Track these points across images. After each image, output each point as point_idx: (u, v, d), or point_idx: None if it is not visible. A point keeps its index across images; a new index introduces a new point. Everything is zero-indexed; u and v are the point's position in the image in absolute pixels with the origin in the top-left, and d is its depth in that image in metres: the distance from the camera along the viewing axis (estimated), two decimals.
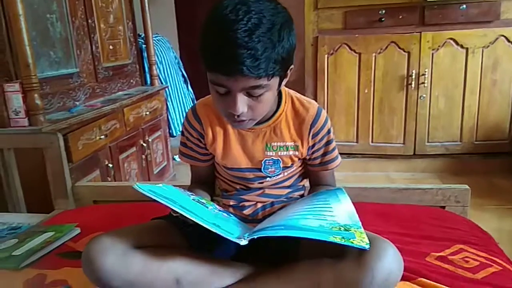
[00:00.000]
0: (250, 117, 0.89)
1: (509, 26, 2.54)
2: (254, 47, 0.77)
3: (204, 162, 1.11)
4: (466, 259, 1.01)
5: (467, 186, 1.34)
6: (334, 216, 0.84)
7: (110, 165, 1.99)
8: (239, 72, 0.79)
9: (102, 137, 1.94)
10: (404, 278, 0.85)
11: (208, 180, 1.16)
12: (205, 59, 0.83)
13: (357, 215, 0.85)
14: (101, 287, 0.87)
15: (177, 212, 0.82)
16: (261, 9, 0.80)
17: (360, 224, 0.82)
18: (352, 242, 0.75)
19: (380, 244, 0.80)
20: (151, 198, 0.81)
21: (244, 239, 0.80)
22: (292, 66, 0.91)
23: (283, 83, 0.93)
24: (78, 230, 1.27)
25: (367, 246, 0.75)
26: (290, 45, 0.85)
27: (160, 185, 0.92)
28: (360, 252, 0.79)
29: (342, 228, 0.79)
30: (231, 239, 0.81)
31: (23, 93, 1.56)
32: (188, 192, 0.99)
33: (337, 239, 0.76)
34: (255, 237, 0.81)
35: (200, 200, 0.96)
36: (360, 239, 0.76)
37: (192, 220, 0.81)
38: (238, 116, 0.87)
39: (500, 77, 2.61)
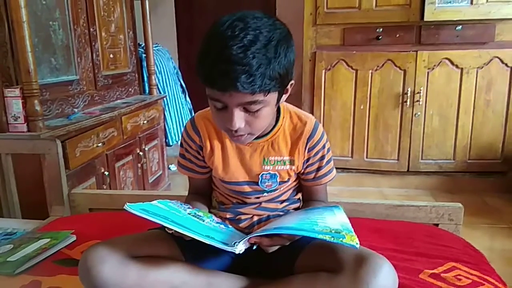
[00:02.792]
0: (248, 132, 0.90)
1: (503, 48, 2.59)
2: (248, 63, 0.78)
3: (202, 175, 1.12)
4: (459, 277, 1.03)
5: (460, 205, 1.36)
6: (326, 223, 0.86)
7: (106, 173, 2.00)
8: (233, 88, 0.79)
9: (100, 144, 1.94)
10: None
11: (206, 192, 1.16)
12: (201, 74, 0.84)
13: (350, 226, 0.85)
14: None
15: (171, 229, 0.83)
16: (258, 25, 0.81)
17: (352, 230, 0.82)
18: (342, 241, 0.76)
19: (376, 260, 0.81)
20: (143, 217, 0.82)
21: (237, 245, 0.82)
22: (292, 82, 0.92)
23: (283, 98, 0.94)
24: (74, 238, 1.27)
25: (357, 246, 0.76)
26: (288, 61, 0.85)
27: (155, 201, 0.93)
28: (356, 268, 0.80)
29: (333, 231, 0.81)
30: (226, 249, 0.82)
31: (23, 99, 1.57)
32: (185, 206, 1.00)
33: (327, 237, 0.77)
34: (252, 238, 0.84)
35: (197, 213, 0.97)
36: (350, 240, 0.77)
37: (186, 235, 0.82)
38: (236, 131, 0.88)
39: (494, 98, 2.66)
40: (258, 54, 0.79)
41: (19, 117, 1.58)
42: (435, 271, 1.05)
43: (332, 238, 0.77)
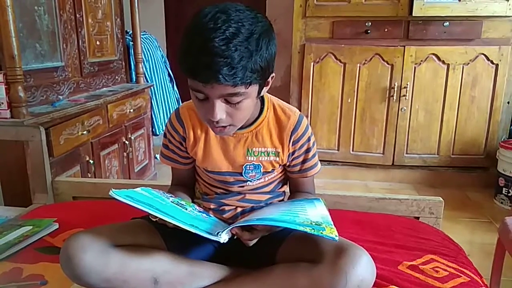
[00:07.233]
0: (230, 123, 0.90)
1: (489, 45, 2.62)
2: (230, 56, 0.78)
3: (185, 165, 1.12)
4: (436, 269, 1.05)
5: (440, 198, 1.38)
6: (307, 215, 0.88)
7: (91, 161, 1.98)
8: (215, 80, 0.80)
9: (85, 132, 1.92)
10: (376, 285, 0.88)
11: (189, 183, 1.17)
12: (183, 66, 0.84)
13: (330, 218, 0.87)
14: (78, 283, 0.88)
15: (155, 216, 0.83)
16: (240, 18, 0.81)
17: (332, 223, 0.84)
18: (322, 233, 0.79)
19: (355, 251, 0.83)
20: (128, 204, 0.82)
21: (221, 234, 0.83)
22: (273, 74, 0.92)
23: (264, 90, 0.94)
24: (56, 226, 1.27)
25: (336, 238, 0.78)
26: (269, 54, 0.86)
27: (138, 189, 0.93)
28: (335, 258, 0.82)
29: (314, 223, 0.83)
30: (210, 237, 0.83)
31: (6, 85, 1.54)
32: (167, 194, 1.00)
33: (307, 230, 0.79)
34: (234, 229, 0.86)
35: (180, 201, 0.98)
36: (330, 232, 0.79)
37: (171, 223, 0.82)
38: (217, 122, 0.88)
39: (479, 94, 2.70)
40: (240, 47, 0.79)
41: (2, 103, 1.55)
42: (413, 263, 1.07)
43: (312, 230, 0.79)
